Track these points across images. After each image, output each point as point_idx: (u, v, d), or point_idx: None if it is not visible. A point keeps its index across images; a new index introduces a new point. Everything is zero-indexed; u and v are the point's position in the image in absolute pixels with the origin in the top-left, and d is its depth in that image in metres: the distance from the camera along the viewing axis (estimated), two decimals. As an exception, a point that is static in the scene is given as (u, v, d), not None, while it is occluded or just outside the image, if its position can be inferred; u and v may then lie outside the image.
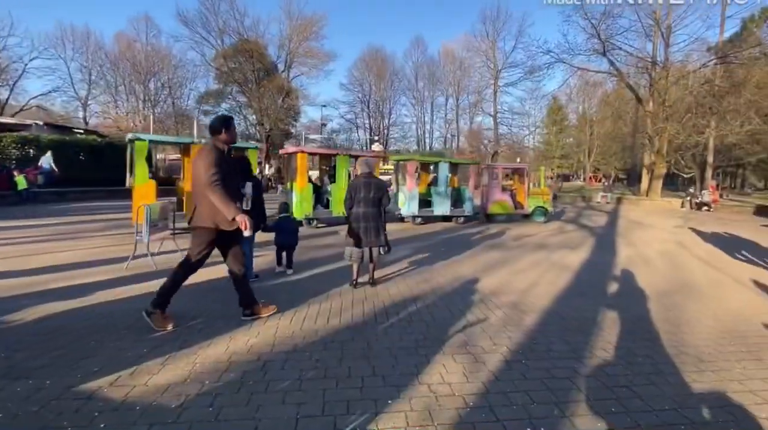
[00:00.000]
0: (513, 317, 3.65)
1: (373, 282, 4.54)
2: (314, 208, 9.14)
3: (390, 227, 4.91)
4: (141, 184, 7.04)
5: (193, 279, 4.62)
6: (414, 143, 48.36)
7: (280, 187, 22.51)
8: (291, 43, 34.00)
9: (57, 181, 14.63)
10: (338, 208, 8.76)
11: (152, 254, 5.09)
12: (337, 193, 8.89)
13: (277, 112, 31.41)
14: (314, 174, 12.31)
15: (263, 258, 5.62)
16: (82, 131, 22.50)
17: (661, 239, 8.78)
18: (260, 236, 5.12)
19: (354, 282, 4.46)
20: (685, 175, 27.96)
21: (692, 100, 21.79)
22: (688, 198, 18.79)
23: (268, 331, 3.19)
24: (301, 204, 8.66)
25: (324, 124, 39.89)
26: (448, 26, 68.08)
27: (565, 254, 6.76)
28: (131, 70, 34.16)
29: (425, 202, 10.75)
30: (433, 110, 48.75)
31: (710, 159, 24.99)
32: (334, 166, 9.42)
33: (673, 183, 31.00)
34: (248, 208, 4.03)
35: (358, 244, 4.33)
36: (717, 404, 2.29)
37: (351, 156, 9.85)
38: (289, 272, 4.98)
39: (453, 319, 3.55)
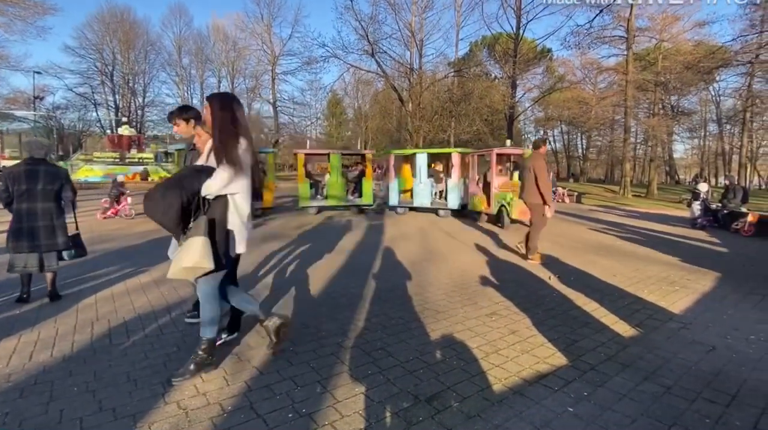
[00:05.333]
0: (287, 305, 3.70)
1: (54, 295, 3.78)
2: (313, 197, 11.61)
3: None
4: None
5: None
6: (179, 128, 43.19)
7: None
8: (-31, -25, 24.39)
9: None
10: (332, 198, 11.42)
11: None
12: (333, 184, 11.43)
13: (-52, 74, 22.22)
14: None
15: None
16: None
17: (419, 218, 10.73)
18: None
19: (26, 295, 3.68)
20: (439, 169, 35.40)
21: (438, 104, 27.67)
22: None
23: None
24: (300, 194, 11.18)
25: (40, 98, 30.69)
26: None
27: (341, 238, 7.39)
28: None
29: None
30: (203, 92, 44.70)
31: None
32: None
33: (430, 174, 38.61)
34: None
35: (33, 248, 3.60)
36: (446, 344, 2.92)
37: (344, 155, 12.66)
38: None
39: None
